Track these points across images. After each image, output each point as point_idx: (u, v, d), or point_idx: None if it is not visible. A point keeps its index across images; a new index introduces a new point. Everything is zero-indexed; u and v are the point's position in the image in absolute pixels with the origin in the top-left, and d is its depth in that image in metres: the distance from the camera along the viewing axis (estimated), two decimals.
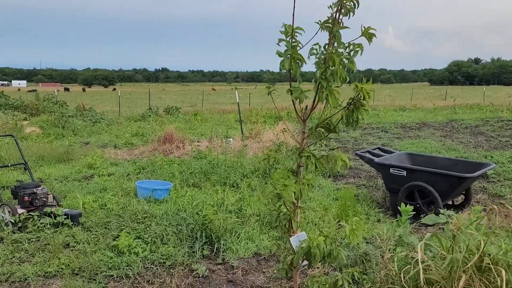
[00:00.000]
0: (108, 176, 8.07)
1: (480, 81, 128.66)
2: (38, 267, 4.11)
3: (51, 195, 5.56)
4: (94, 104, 26.99)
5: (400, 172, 5.78)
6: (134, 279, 4.01)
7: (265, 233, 5.11)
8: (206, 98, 35.47)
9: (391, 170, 5.86)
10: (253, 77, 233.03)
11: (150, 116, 19.58)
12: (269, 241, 4.83)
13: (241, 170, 7.52)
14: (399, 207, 5.69)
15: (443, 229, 4.13)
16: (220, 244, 4.68)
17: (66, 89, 77.65)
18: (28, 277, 3.95)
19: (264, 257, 4.57)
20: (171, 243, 4.64)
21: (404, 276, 2.85)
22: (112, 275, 4.05)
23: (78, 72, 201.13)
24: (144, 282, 3.96)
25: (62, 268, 4.12)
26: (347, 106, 2.34)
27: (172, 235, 4.79)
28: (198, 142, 12.09)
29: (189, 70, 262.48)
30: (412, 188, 5.63)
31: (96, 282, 3.89)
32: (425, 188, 5.45)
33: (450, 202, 5.97)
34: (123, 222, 5.19)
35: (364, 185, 7.68)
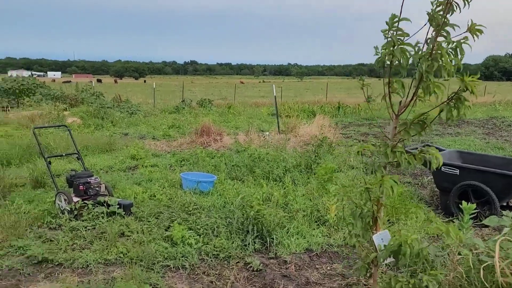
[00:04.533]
0: (152, 167, 8.20)
1: None
2: (98, 254, 4.23)
3: (104, 184, 5.70)
4: (127, 96, 27.52)
5: (452, 170, 5.62)
6: (190, 270, 4.07)
7: (314, 229, 5.09)
8: (235, 91, 35.52)
9: (443, 168, 5.71)
10: (281, 71, 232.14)
11: (184, 108, 19.81)
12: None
13: (284, 164, 7.49)
14: (451, 206, 5.58)
15: (499, 231, 4.00)
16: (272, 238, 4.68)
17: (99, 81, 79.35)
18: (89, 263, 4.07)
19: (316, 253, 4.55)
20: (223, 235, 4.68)
21: (476, 279, 2.77)
22: (169, 265, 4.12)
23: (110, 64, 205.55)
24: (200, 273, 4.01)
25: (120, 256, 4.23)
26: (448, 101, 2.26)
27: (222, 227, 4.84)
28: (236, 135, 12.13)
29: (217, 63, 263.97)
30: (466, 188, 5.47)
31: (154, 272, 3.97)
32: (481, 188, 5.28)
33: (505, 204, 5.77)
34: (173, 213, 5.29)
35: (409, 182, 7.52)
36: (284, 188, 6.40)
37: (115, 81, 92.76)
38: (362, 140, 11.94)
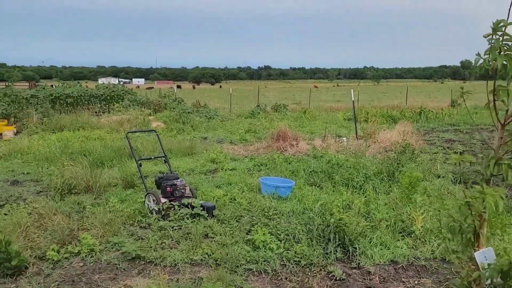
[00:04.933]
0: (231, 170, 8.43)
1: None
2: (185, 254, 4.43)
3: (188, 187, 5.97)
4: (205, 101, 28.63)
5: None
6: (272, 275, 4.11)
7: (399, 240, 4.88)
8: (309, 96, 35.32)
9: None
10: (356, 74, 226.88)
11: (259, 113, 20.12)
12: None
13: (364, 171, 7.29)
14: None
15: None
16: (354, 248, 4.57)
17: (179, 87, 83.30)
18: (177, 262, 4.27)
19: (402, 266, 4.35)
20: (304, 242, 4.66)
21: None
22: (251, 269, 4.19)
23: (188, 70, 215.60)
24: (283, 279, 4.03)
25: (205, 257, 4.39)
26: None
27: (303, 234, 4.82)
28: (312, 140, 12.05)
29: (290, 67, 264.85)
30: None
31: (237, 274, 4.06)
32: None
33: None
34: (253, 217, 5.38)
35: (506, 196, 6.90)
36: (365, 196, 6.22)
37: (193, 87, 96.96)
38: (447, 147, 11.23)
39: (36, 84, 38.22)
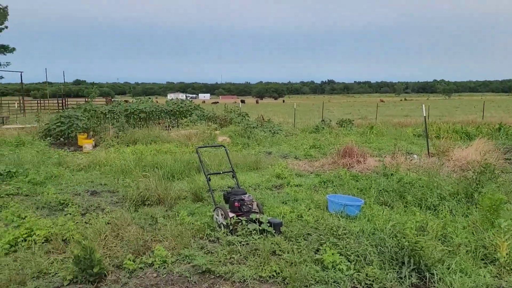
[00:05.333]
0: (296, 186, 8.36)
1: None
2: (253, 270, 4.43)
3: (256, 202, 6.00)
4: (268, 116, 28.87)
5: None
6: None
7: (480, 267, 4.52)
8: (376, 110, 34.34)
9: None
10: (425, 88, 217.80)
11: (323, 128, 19.90)
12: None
13: (438, 191, 6.89)
14: None
15: None
16: (431, 273, 4.30)
17: (242, 101, 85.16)
18: (246, 279, 4.28)
19: None
20: (376, 264, 4.47)
21: None
22: None
23: (252, 85, 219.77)
24: None
25: (273, 275, 4.36)
26: None
27: (374, 255, 4.63)
28: (380, 157, 11.66)
29: (355, 81, 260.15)
30: None
31: None
32: None
33: None
34: (321, 236, 5.26)
35: None
36: (441, 218, 5.86)
37: (257, 102, 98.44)
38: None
39: (112, 99, 40.91)
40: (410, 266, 4.38)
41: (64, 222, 5.75)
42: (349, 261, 4.59)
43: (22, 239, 5.23)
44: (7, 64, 26.70)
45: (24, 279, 4.23)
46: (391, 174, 8.46)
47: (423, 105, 13.12)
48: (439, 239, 5.16)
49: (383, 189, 7.37)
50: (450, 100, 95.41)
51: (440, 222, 5.69)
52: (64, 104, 39.10)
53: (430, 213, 6.31)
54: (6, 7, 25.45)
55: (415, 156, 10.93)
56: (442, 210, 6.24)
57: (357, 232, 5.45)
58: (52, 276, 4.37)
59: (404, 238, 4.63)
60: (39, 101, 46.51)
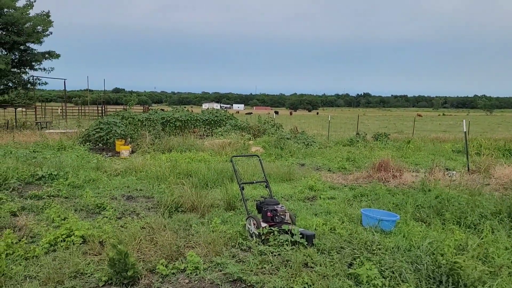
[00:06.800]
0: (329, 199, 8.25)
1: None
2: (285, 281, 4.38)
3: (288, 213, 5.95)
4: (302, 127, 28.77)
5: None
6: None
7: None
8: (413, 125, 33.49)
9: None
10: (464, 103, 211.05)
11: (358, 141, 19.60)
12: None
13: (479, 209, 6.61)
14: None
15: None
16: None
17: (276, 112, 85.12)
18: None
19: None
20: (411, 281, 4.32)
21: None
22: None
23: (286, 96, 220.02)
24: None
25: (305, 287, 4.29)
26: None
27: (410, 273, 4.48)
28: (417, 172, 11.34)
29: (391, 95, 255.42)
30: None
31: None
32: None
33: None
34: (355, 250, 5.15)
35: None
36: (482, 238, 5.61)
37: (290, 113, 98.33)
38: None
39: (149, 108, 42.01)
40: (448, 285, 4.21)
41: (101, 224, 5.91)
42: (383, 277, 4.47)
43: (62, 239, 5.42)
44: (51, 70, 28.00)
45: (63, 278, 4.37)
46: (429, 190, 8.20)
47: (464, 120, 12.68)
48: (480, 259, 4.94)
49: (419, 205, 7.15)
50: (492, 116, 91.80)
51: (481, 242, 5.44)
52: (103, 111, 40.49)
53: (470, 232, 6.07)
54: (49, 12, 26.84)
55: (454, 172, 10.56)
56: (483, 229, 5.98)
57: (392, 248, 5.30)
58: (88, 276, 4.50)
59: (442, 256, 4.45)
60: (80, 108, 48.37)
